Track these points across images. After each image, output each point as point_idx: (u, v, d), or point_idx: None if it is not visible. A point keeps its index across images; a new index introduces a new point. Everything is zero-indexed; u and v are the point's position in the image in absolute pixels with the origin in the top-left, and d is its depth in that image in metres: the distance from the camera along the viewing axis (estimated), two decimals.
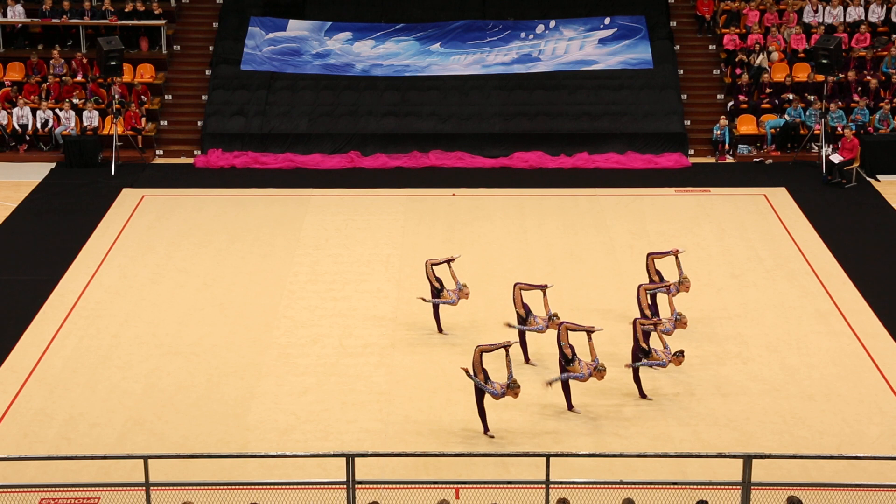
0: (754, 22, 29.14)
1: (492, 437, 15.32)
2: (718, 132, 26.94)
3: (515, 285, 17.25)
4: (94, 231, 22.57)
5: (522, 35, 29.08)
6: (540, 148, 26.97)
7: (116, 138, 26.49)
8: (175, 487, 13.14)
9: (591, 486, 13.47)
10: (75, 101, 27.62)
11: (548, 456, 12.45)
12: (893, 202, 24.19)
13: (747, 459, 12.18)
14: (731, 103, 27.93)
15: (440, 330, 18.29)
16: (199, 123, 27.93)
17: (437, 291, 18.06)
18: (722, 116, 27.20)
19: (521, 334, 17.24)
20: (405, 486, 13.64)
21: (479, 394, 15.29)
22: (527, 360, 17.25)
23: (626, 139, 27.15)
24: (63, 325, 18.74)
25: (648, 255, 18.57)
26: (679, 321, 17.03)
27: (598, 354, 16.02)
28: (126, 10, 29.20)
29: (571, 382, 15.96)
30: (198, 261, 21.29)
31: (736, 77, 28.06)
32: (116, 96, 27.13)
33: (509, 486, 13.08)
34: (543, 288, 17.37)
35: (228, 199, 24.48)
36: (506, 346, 15.40)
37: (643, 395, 16.26)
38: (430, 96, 28.24)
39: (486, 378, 15.18)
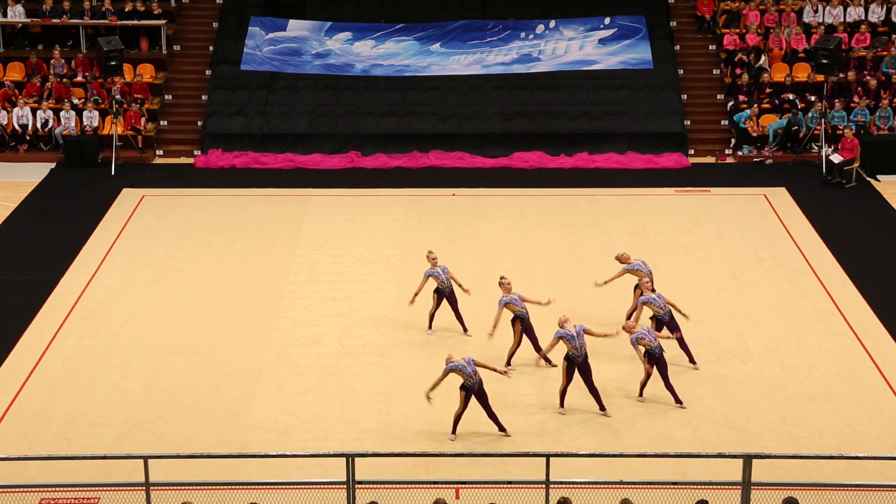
0: (754, 22, 29.12)
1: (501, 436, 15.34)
2: (750, 123, 26.91)
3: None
4: (94, 231, 22.57)
5: (522, 35, 29.07)
6: (540, 148, 26.97)
7: (116, 138, 26.49)
8: (175, 487, 13.15)
9: (591, 486, 13.48)
10: (75, 101, 27.62)
11: (548, 456, 12.46)
12: (893, 202, 24.19)
13: (747, 459, 12.18)
14: (731, 103, 27.93)
15: (464, 329, 18.32)
16: (199, 123, 27.93)
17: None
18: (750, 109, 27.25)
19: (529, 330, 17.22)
20: (405, 486, 13.64)
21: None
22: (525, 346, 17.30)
23: (626, 139, 27.15)
24: (63, 325, 18.74)
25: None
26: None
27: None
28: (126, 10, 29.20)
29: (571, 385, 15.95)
30: (198, 261, 21.29)
31: (736, 77, 28.06)
32: (117, 96, 27.14)
33: (509, 486, 13.08)
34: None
35: (228, 199, 24.48)
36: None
37: (641, 393, 16.24)
38: (430, 96, 28.24)
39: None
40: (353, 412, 16.11)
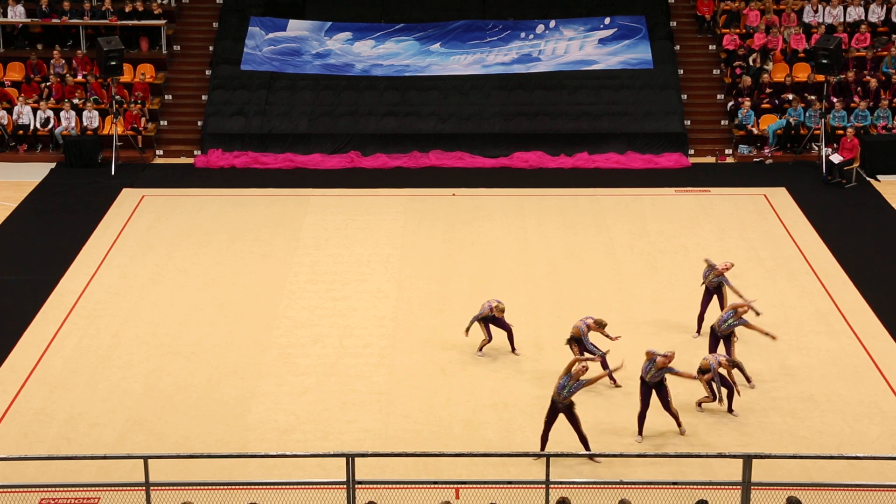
0: (755, 22, 29.12)
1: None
2: (744, 112, 26.89)
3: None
4: (94, 231, 22.57)
5: (522, 35, 29.08)
6: (540, 148, 26.97)
7: (116, 138, 26.49)
8: (175, 487, 13.15)
9: (591, 486, 13.48)
10: (75, 101, 27.62)
11: (548, 456, 12.47)
12: (893, 202, 24.19)
13: (747, 459, 12.18)
14: (731, 103, 27.93)
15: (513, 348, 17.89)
16: (199, 123, 27.93)
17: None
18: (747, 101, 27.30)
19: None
20: (405, 486, 13.64)
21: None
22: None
23: (626, 139, 27.16)
24: (63, 325, 18.74)
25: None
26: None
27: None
28: (126, 10, 29.20)
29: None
30: (198, 261, 21.29)
31: (736, 77, 28.06)
32: (117, 96, 27.13)
33: (509, 486, 13.08)
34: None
35: (228, 199, 24.48)
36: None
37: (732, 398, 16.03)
38: (430, 96, 28.24)
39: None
40: (353, 412, 16.11)
